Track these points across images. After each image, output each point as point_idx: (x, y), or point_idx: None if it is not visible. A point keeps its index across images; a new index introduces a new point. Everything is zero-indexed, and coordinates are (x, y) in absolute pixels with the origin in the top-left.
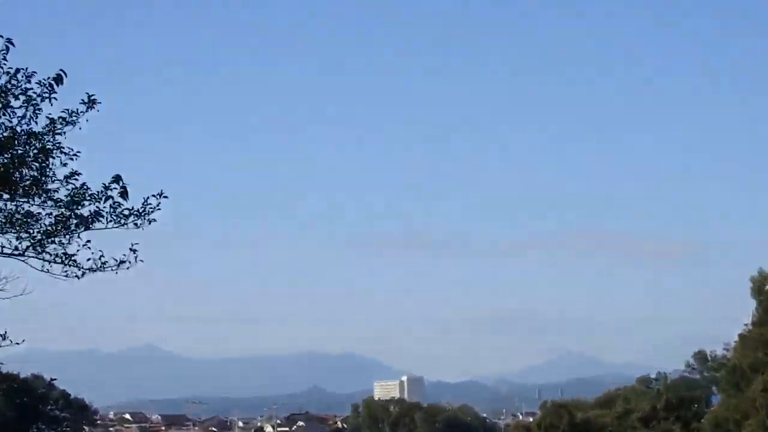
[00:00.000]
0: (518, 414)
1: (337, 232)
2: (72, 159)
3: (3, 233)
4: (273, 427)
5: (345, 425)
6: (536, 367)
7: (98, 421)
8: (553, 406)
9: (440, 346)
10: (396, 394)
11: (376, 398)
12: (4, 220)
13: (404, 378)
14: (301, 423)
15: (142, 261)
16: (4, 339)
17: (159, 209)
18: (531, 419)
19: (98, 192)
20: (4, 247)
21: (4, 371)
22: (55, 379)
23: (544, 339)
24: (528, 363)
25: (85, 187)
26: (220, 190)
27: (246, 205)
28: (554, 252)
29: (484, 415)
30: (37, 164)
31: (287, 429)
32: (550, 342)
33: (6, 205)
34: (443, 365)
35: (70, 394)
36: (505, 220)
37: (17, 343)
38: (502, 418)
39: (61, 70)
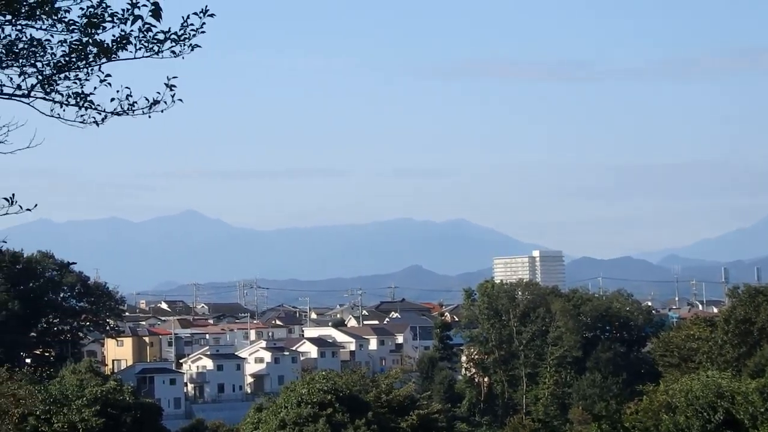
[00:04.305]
0: (696, 303)
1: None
2: None
3: (2, 68)
4: (357, 319)
5: (455, 317)
6: (718, 240)
7: (126, 313)
8: (747, 293)
9: (584, 210)
10: (525, 275)
11: (498, 280)
12: (3, 51)
13: (536, 253)
14: (395, 314)
15: (180, 100)
16: (11, 204)
17: (203, 32)
18: (715, 310)
19: (123, 11)
20: (4, 85)
21: (7, 249)
22: (74, 263)
23: (736, 200)
24: (704, 235)
25: (105, 5)
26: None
27: (314, 29)
28: None
29: (648, 302)
30: None
31: (376, 322)
32: (741, 205)
33: (5, 30)
34: (589, 236)
35: (88, 278)
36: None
37: (28, 209)
38: (674, 307)
39: None
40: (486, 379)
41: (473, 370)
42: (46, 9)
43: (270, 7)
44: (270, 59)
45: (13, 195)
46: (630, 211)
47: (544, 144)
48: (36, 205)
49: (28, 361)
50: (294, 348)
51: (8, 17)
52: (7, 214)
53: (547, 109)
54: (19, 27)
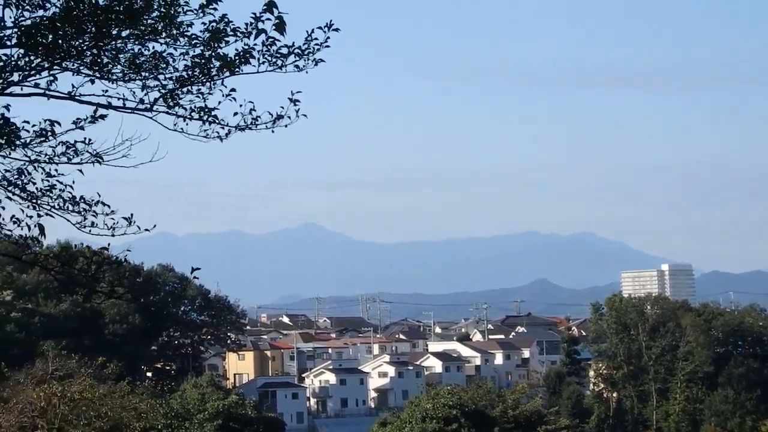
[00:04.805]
0: None
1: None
2: None
3: (125, 82)
4: (483, 333)
5: (582, 332)
6: None
7: (247, 327)
8: None
9: (715, 222)
10: (653, 289)
11: (626, 294)
12: (126, 66)
13: (665, 267)
14: (521, 328)
15: (305, 116)
16: (129, 224)
17: (327, 46)
18: None
19: (246, 25)
20: (126, 99)
21: (127, 262)
22: (197, 268)
23: None
24: None
25: (227, 18)
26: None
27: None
28: None
29: None
30: None
31: (502, 337)
32: None
33: (127, 45)
34: (720, 249)
35: (209, 291)
36: None
37: (146, 230)
38: None
39: None
40: (615, 395)
41: (601, 386)
42: (169, 23)
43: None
44: (400, 75)
45: (132, 215)
46: (764, 221)
47: (668, 152)
48: (155, 226)
49: (149, 374)
50: (418, 362)
51: (131, 32)
52: (125, 234)
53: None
54: (141, 42)
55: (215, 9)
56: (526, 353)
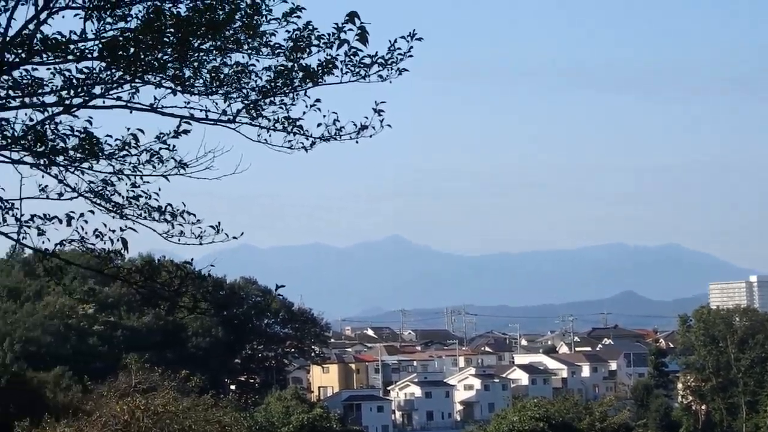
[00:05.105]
0: None
1: None
2: None
3: (209, 94)
4: (569, 345)
5: (670, 344)
6: None
7: (331, 339)
8: None
9: None
10: (742, 301)
11: (714, 306)
12: (209, 77)
13: (753, 278)
14: (608, 340)
15: (389, 126)
16: (217, 232)
17: (411, 56)
18: None
19: (328, 35)
20: (209, 111)
21: (210, 274)
22: (282, 286)
23: None
24: None
25: (311, 28)
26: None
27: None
28: None
29: None
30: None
31: (588, 349)
32: None
33: (210, 56)
34: None
35: (293, 304)
36: None
37: (234, 237)
38: None
39: None
40: (703, 407)
41: (690, 398)
42: (252, 34)
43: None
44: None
45: (219, 223)
46: None
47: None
48: (242, 233)
49: (232, 387)
50: (504, 375)
51: (211, 43)
52: (212, 242)
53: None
54: (224, 53)
55: (299, 17)
56: (614, 365)
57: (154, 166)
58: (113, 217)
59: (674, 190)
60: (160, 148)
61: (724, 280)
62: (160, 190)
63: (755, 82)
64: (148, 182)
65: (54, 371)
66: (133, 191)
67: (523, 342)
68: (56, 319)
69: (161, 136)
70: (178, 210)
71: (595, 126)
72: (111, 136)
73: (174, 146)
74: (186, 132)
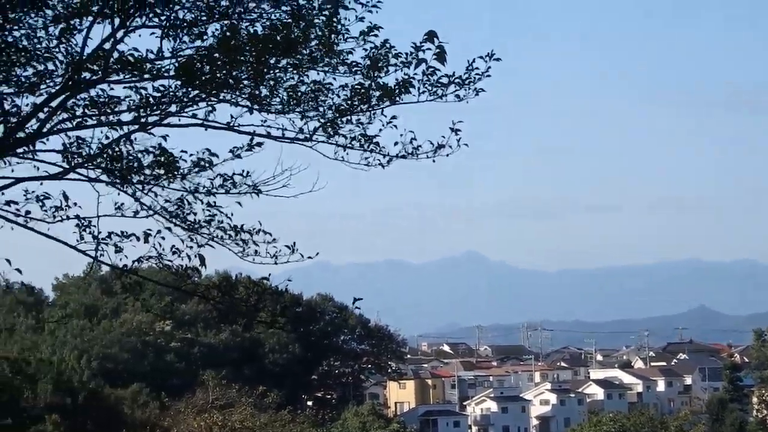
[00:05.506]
0: None
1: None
2: (370, 11)
3: (285, 113)
4: (644, 360)
5: (745, 358)
6: None
7: (407, 355)
8: None
9: None
10: None
11: None
12: (286, 96)
13: None
14: (683, 355)
15: (466, 145)
16: (292, 252)
17: (488, 76)
18: None
19: (406, 54)
20: (286, 130)
21: (287, 291)
22: (360, 299)
23: None
24: None
25: (388, 46)
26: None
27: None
28: None
29: None
30: (324, 19)
31: (664, 364)
32: None
33: (287, 74)
34: None
35: (369, 321)
36: None
37: (309, 257)
38: None
39: None
40: None
41: (765, 412)
42: (328, 51)
43: None
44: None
45: (294, 243)
46: None
47: None
48: (318, 253)
49: (309, 403)
50: (580, 390)
51: (288, 61)
52: (288, 262)
53: None
54: (300, 71)
55: (376, 36)
56: (689, 380)
57: (227, 190)
58: (189, 237)
59: (752, 204)
60: (234, 174)
61: None
62: (232, 214)
63: None
64: (221, 206)
65: (131, 388)
66: (208, 211)
67: (599, 357)
68: (133, 336)
69: (234, 150)
70: (253, 229)
71: (668, 141)
72: (186, 152)
73: (248, 172)
74: (259, 145)
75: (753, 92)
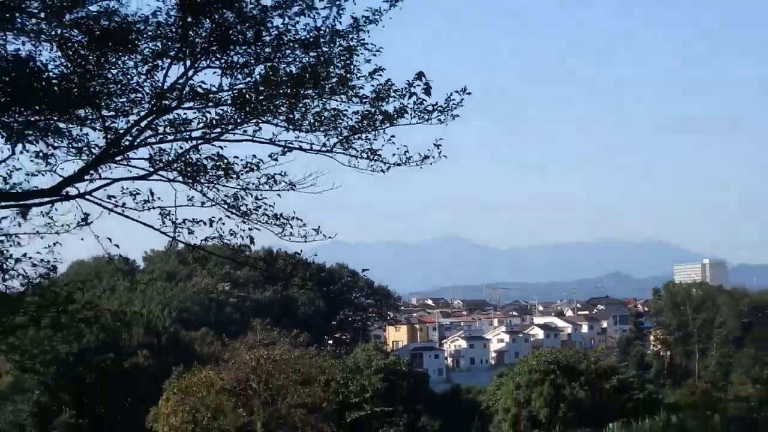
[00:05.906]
0: None
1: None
2: (375, 55)
3: (313, 131)
4: (573, 310)
5: (646, 308)
6: None
7: (402, 307)
8: None
9: (743, 227)
10: (697, 278)
11: (677, 281)
12: (313, 119)
13: (706, 261)
14: (601, 306)
15: (445, 156)
16: (317, 233)
17: (462, 105)
18: None
19: (402, 88)
20: (313, 144)
21: (314, 262)
22: (367, 269)
23: None
24: None
25: (389, 83)
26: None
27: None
28: None
29: None
30: (342, 62)
31: (587, 312)
32: None
33: (314, 103)
34: (746, 248)
35: (373, 282)
36: None
37: (330, 237)
38: None
39: None
40: (668, 353)
41: (659, 347)
42: (344, 86)
43: None
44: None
45: (319, 227)
46: None
47: None
48: (336, 234)
49: (330, 342)
50: (526, 332)
51: (315, 93)
52: (314, 240)
53: None
54: (323, 101)
55: (380, 75)
56: (605, 324)
57: (270, 186)
58: (242, 222)
59: (648, 191)
60: (275, 174)
61: (684, 263)
62: (274, 203)
63: None
64: (266, 198)
65: (200, 331)
66: (256, 203)
67: (540, 308)
68: (202, 294)
69: (273, 155)
70: (289, 216)
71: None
72: (238, 157)
73: (285, 172)
74: (290, 150)
75: None
